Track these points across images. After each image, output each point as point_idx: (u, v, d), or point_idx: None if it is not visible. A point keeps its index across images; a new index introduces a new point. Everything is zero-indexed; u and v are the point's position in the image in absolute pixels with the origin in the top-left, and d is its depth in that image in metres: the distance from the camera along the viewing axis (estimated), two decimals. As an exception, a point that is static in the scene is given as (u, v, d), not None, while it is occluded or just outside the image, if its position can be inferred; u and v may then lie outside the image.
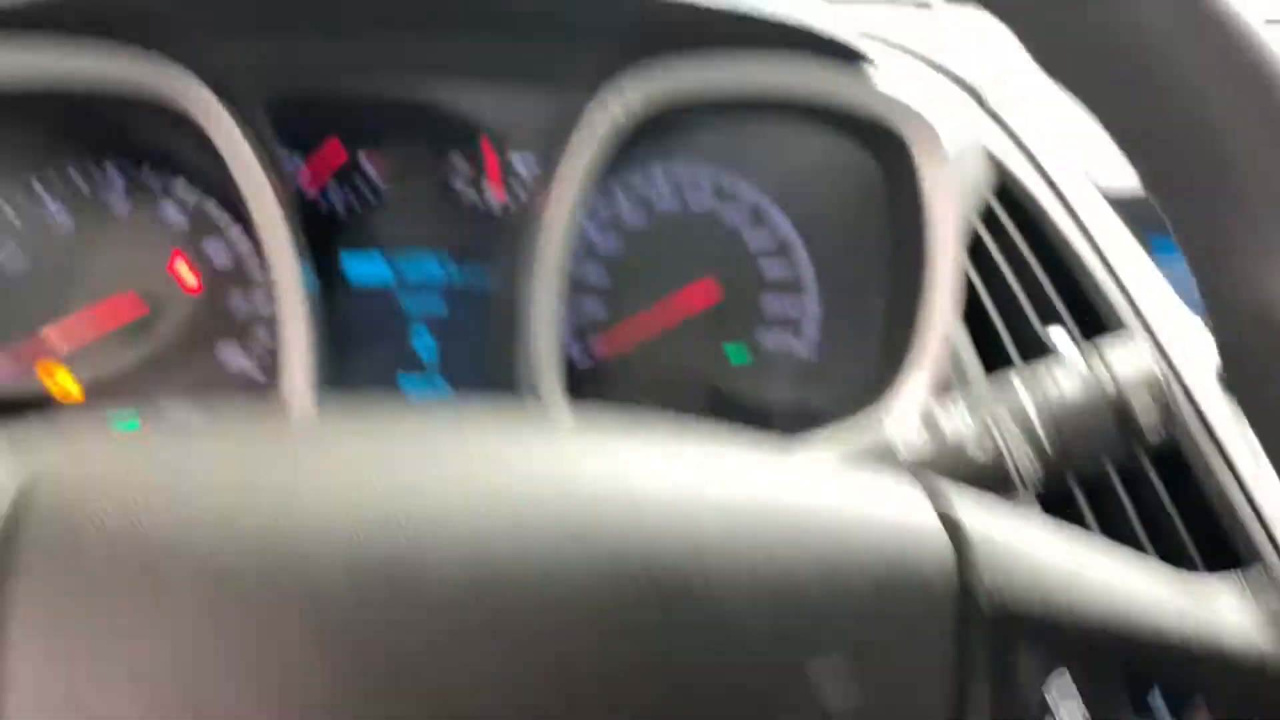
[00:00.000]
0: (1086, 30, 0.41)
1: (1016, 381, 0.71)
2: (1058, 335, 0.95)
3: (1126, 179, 0.45)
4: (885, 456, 0.72)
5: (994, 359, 1.01)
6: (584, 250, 1.06)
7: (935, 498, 0.42)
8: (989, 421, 0.69)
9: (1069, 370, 0.71)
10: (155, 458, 0.38)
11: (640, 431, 0.43)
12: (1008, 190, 1.06)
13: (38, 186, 0.97)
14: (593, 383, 1.08)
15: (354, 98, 1.00)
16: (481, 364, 1.03)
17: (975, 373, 0.99)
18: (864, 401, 1.01)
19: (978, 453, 0.69)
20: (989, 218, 1.04)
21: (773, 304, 1.09)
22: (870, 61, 0.93)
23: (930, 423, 0.71)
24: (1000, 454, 0.68)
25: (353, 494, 0.36)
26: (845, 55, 0.92)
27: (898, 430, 0.72)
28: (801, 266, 1.09)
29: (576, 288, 1.06)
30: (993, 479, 0.68)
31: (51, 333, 0.96)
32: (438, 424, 0.43)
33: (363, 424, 0.42)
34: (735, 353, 1.09)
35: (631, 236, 1.08)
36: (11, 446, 0.37)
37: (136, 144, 0.98)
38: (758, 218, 1.09)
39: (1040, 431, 0.68)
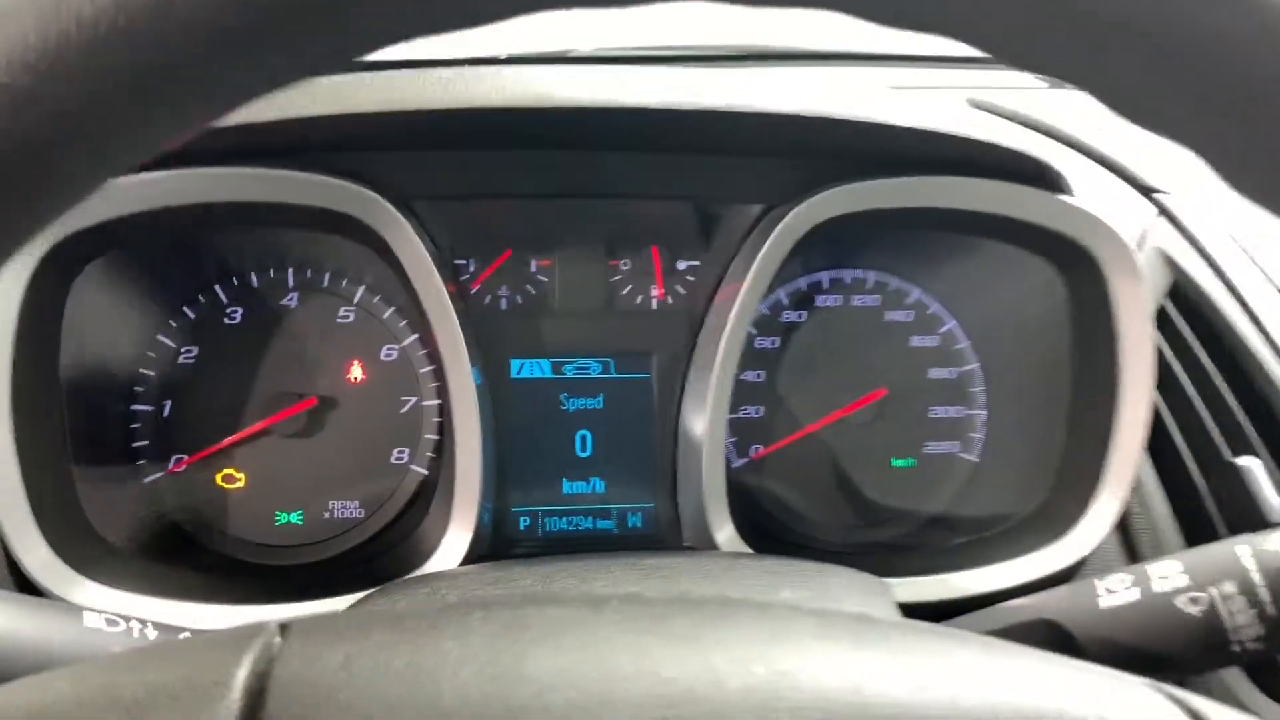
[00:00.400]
0: None
1: (1241, 547, 0.68)
2: (1251, 468, 0.91)
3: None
4: (1084, 600, 0.69)
5: (1172, 469, 0.98)
6: (747, 352, 1.06)
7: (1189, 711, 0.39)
8: (1204, 577, 0.66)
9: None
10: (402, 662, 0.37)
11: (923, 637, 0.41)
12: (1181, 291, 1.03)
13: (219, 292, 0.99)
14: (749, 475, 1.06)
15: (531, 211, 1.01)
16: (639, 462, 1.02)
17: (1154, 494, 0.95)
18: (1030, 512, 0.98)
19: (1189, 607, 0.66)
20: (1162, 321, 1.01)
21: (941, 412, 1.07)
22: (1057, 178, 0.91)
23: (1138, 573, 0.68)
24: (1215, 611, 0.65)
25: None
26: (1036, 174, 0.91)
27: (1101, 581, 0.70)
28: (974, 376, 1.07)
29: (738, 388, 1.05)
30: (1204, 636, 0.65)
31: (230, 441, 0.98)
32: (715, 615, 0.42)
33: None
34: (900, 458, 1.07)
35: (787, 340, 1.07)
36: (247, 642, 0.37)
37: (314, 255, 1.00)
38: (930, 326, 1.08)
39: (1264, 593, 0.64)
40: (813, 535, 1.05)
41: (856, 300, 1.07)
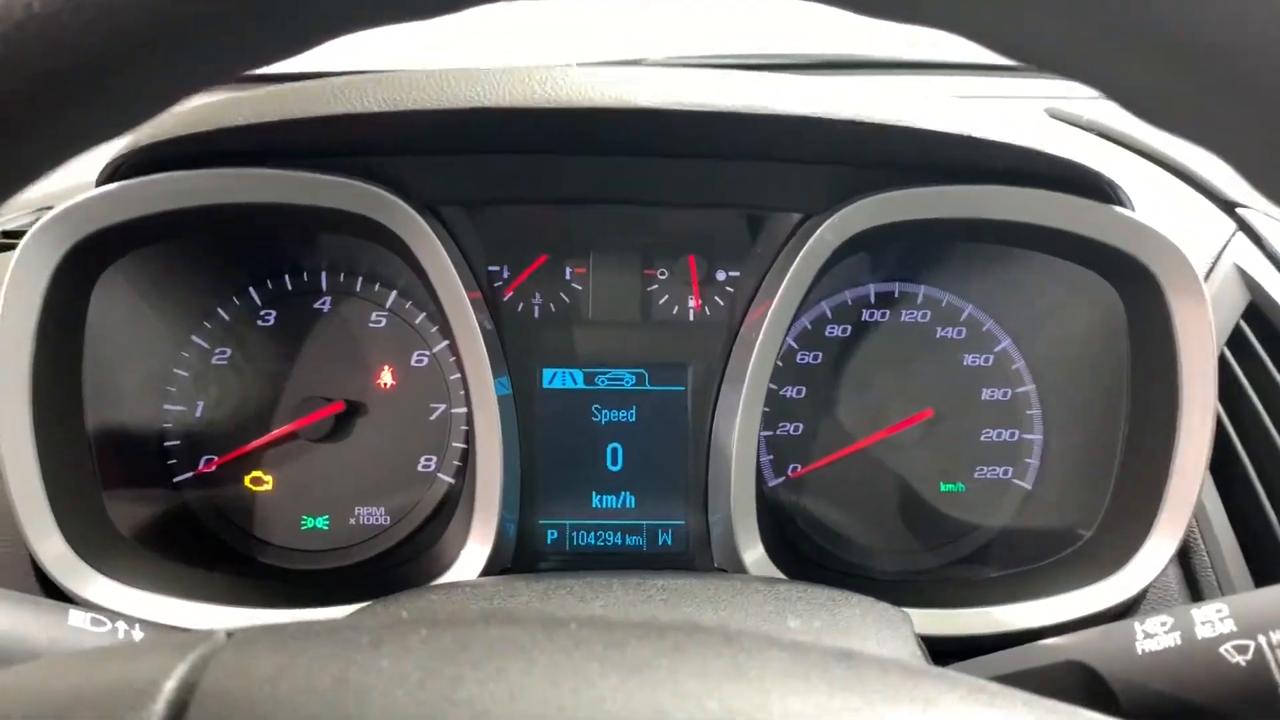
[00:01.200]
0: None
1: None
2: None
3: None
4: (1121, 643, 0.64)
5: (1242, 500, 0.90)
6: (786, 367, 1.02)
7: None
8: (1253, 623, 0.60)
9: None
10: (330, 679, 0.35)
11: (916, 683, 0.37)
12: (1259, 311, 0.96)
13: (253, 294, 1.00)
14: (785, 494, 1.02)
15: (566, 218, 0.99)
16: (671, 478, 0.99)
17: (1222, 528, 0.88)
18: (1082, 545, 0.92)
19: (1234, 656, 0.60)
20: (1237, 342, 0.94)
21: (994, 435, 1.01)
22: (1117, 191, 0.85)
23: (1180, 615, 0.63)
24: (1263, 662, 0.59)
25: None
26: (1089, 186, 0.85)
27: (1139, 623, 0.64)
28: (1029, 398, 1.01)
29: (776, 403, 1.01)
30: (1249, 688, 0.59)
31: (257, 444, 0.98)
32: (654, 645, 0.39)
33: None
34: (947, 482, 1.01)
35: (829, 355, 1.03)
36: (187, 650, 0.35)
37: (347, 259, 1.00)
38: (984, 345, 1.02)
39: None
40: (851, 560, 1.00)
41: (905, 315, 1.02)
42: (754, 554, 0.90)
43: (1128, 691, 0.64)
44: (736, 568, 0.91)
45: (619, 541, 0.99)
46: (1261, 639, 0.61)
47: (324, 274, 1.00)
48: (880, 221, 0.86)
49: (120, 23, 0.31)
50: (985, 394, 1.01)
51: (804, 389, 1.03)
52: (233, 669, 0.35)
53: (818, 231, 0.86)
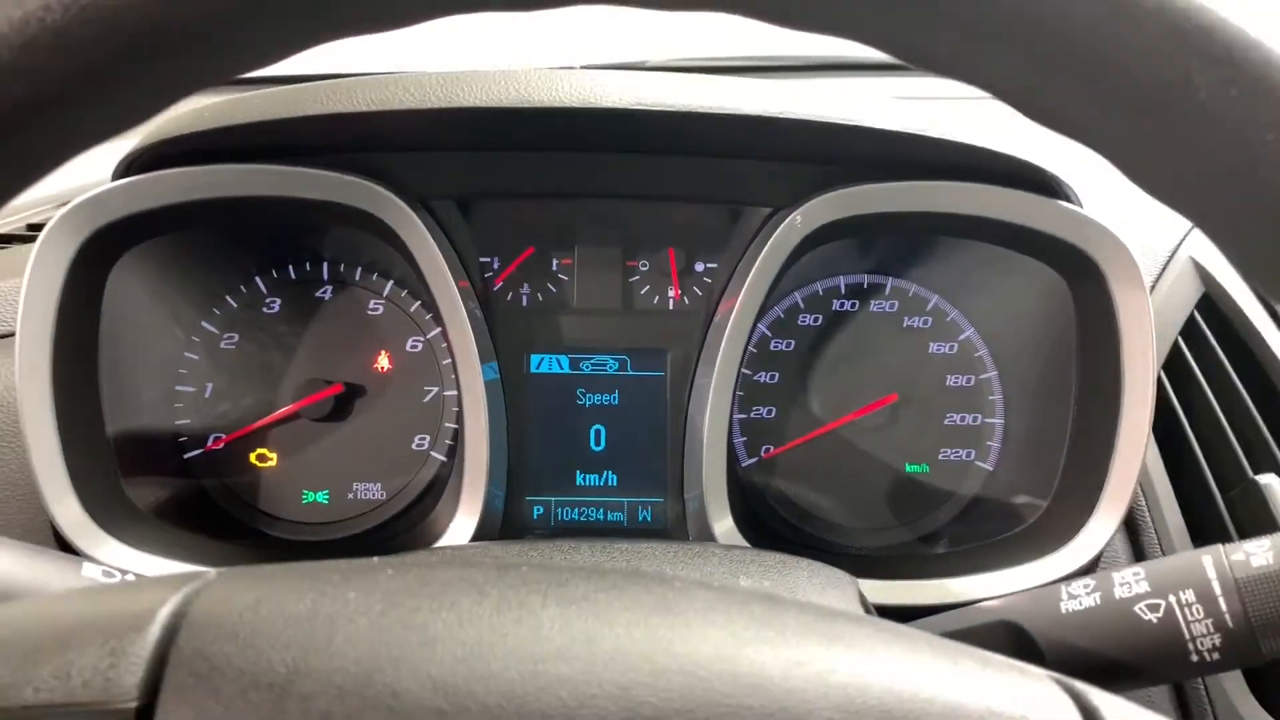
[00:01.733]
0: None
1: (1206, 556, 0.67)
2: (1272, 485, 0.88)
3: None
4: (1047, 604, 0.69)
5: (1189, 480, 0.96)
6: (760, 353, 1.07)
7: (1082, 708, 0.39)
8: (1165, 585, 0.66)
9: (1266, 544, 0.66)
10: (304, 608, 0.39)
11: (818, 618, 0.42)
12: (1212, 303, 1.01)
13: (259, 283, 1.06)
14: (758, 474, 1.07)
15: (553, 211, 1.05)
16: (651, 458, 1.05)
17: (1169, 507, 0.94)
18: (1040, 516, 0.97)
19: (1147, 614, 0.65)
20: (1190, 331, 0.99)
21: (957, 419, 1.06)
22: (1062, 186, 0.90)
23: (1102, 579, 0.68)
24: (1173, 619, 0.64)
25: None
26: (1036, 181, 0.90)
27: (1066, 586, 0.69)
28: (991, 384, 1.07)
29: (750, 388, 1.07)
30: (1161, 644, 0.64)
31: (263, 423, 1.04)
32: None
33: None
34: (911, 464, 1.07)
35: (802, 342, 1.08)
36: (181, 584, 0.40)
37: (348, 250, 1.06)
38: (949, 334, 1.08)
39: (1223, 603, 0.63)
40: (819, 536, 1.05)
41: (874, 305, 1.08)
42: (724, 528, 0.95)
43: (1052, 648, 0.69)
44: (709, 541, 0.96)
45: (601, 517, 1.05)
46: (1171, 598, 0.66)
47: (325, 264, 1.06)
48: (841, 215, 0.92)
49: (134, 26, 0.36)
50: (950, 380, 1.07)
51: (777, 374, 1.08)
52: (218, 599, 0.41)
53: (783, 225, 0.92)
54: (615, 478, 1.06)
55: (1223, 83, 0.36)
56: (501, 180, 1.00)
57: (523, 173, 1.00)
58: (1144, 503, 0.94)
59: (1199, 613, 0.65)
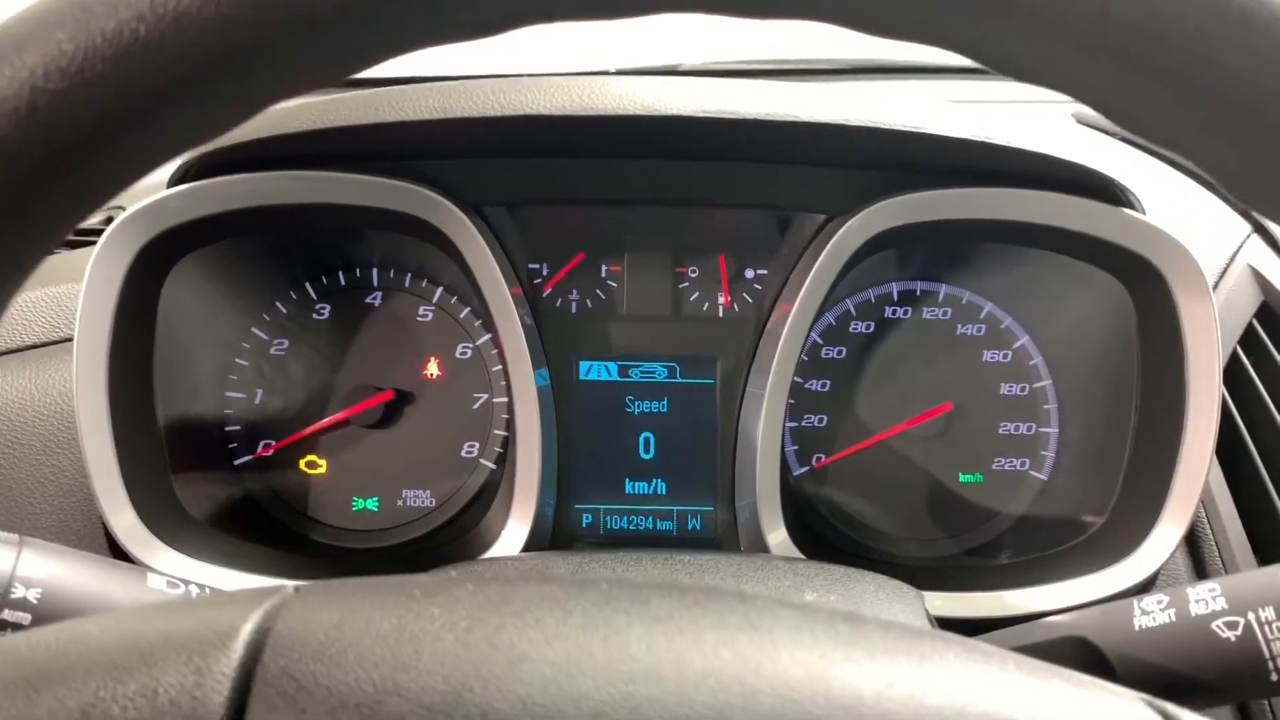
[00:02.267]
0: None
1: None
2: None
3: None
4: (1119, 620, 0.68)
5: (1250, 491, 0.94)
6: (812, 361, 1.06)
7: None
8: (1243, 601, 0.64)
9: None
10: (389, 625, 0.39)
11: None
12: (1271, 311, 0.99)
13: (309, 289, 1.06)
14: (810, 483, 1.06)
15: (602, 217, 1.05)
16: (701, 466, 1.04)
17: (1230, 518, 0.92)
18: (1093, 533, 0.96)
19: (1225, 631, 0.64)
20: (1249, 340, 0.97)
21: (1011, 428, 1.05)
22: (1126, 194, 0.89)
23: (1176, 594, 0.66)
24: (1252, 637, 0.63)
25: None
26: (1099, 188, 0.89)
27: (1138, 601, 0.68)
28: (1046, 393, 1.05)
29: (801, 396, 1.06)
30: (1240, 662, 0.63)
31: (313, 429, 1.04)
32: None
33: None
34: (965, 473, 1.05)
35: (854, 350, 1.07)
36: (261, 600, 0.39)
37: (397, 256, 1.06)
38: (1003, 341, 1.06)
39: None
40: (874, 547, 1.04)
41: (927, 313, 1.07)
42: (777, 537, 0.95)
43: (1125, 665, 0.68)
44: (761, 551, 0.95)
45: (650, 526, 1.04)
46: (1251, 615, 0.64)
47: (375, 270, 1.06)
48: (899, 223, 0.90)
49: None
50: (1004, 389, 1.05)
51: (828, 382, 1.07)
52: (301, 616, 0.40)
53: (840, 232, 0.91)
54: (664, 486, 1.05)
55: None
56: (553, 186, 0.99)
57: (574, 179, 0.99)
58: (1204, 514, 0.93)
59: (1274, 631, 0.63)
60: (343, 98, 0.90)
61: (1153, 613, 0.68)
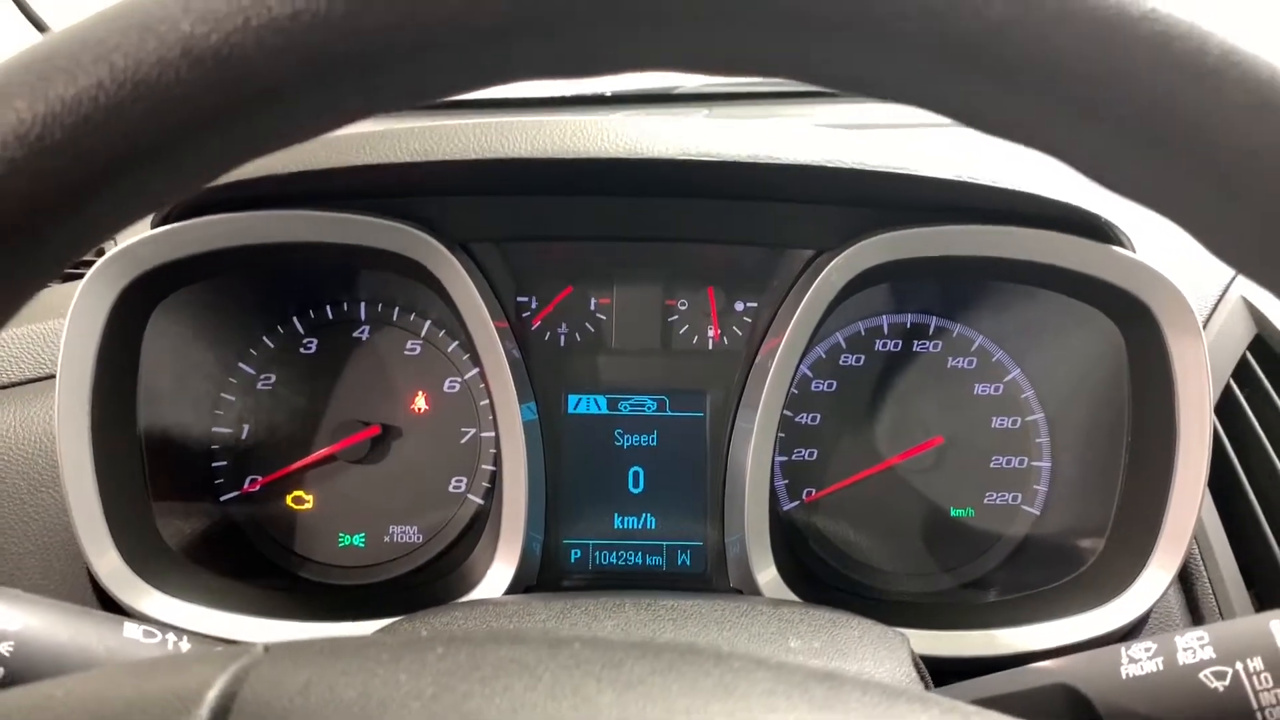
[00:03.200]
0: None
1: (1275, 622, 0.64)
2: None
3: None
4: (1106, 667, 0.67)
5: (1244, 527, 0.93)
6: (802, 394, 1.06)
7: None
8: (1231, 651, 0.63)
9: None
10: (354, 692, 0.38)
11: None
12: (1265, 344, 0.98)
13: (296, 324, 1.06)
14: (800, 517, 1.06)
15: (591, 251, 1.04)
16: (690, 501, 1.03)
17: (1224, 556, 0.91)
18: (1084, 571, 0.95)
19: (1212, 681, 0.63)
20: (1243, 373, 0.97)
21: (1003, 462, 1.04)
22: (1114, 231, 0.88)
23: (1164, 642, 0.66)
24: (1240, 687, 0.62)
25: None
26: (1088, 226, 0.88)
27: (1125, 648, 0.67)
28: (1038, 426, 1.05)
29: (791, 429, 1.05)
30: (1228, 713, 0.62)
31: (299, 465, 1.04)
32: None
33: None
34: (957, 507, 1.05)
35: (844, 383, 1.06)
36: (229, 661, 0.39)
37: (385, 290, 1.05)
38: (994, 375, 1.05)
39: None
40: (863, 582, 1.03)
41: (918, 346, 1.06)
42: (767, 575, 0.94)
43: (1112, 714, 0.67)
44: (751, 588, 0.95)
45: (639, 561, 1.03)
46: (1239, 665, 0.63)
47: (363, 304, 1.06)
48: (886, 259, 0.90)
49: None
50: (995, 422, 1.05)
51: (819, 416, 1.06)
52: (268, 680, 0.40)
53: (828, 267, 0.90)
54: (654, 520, 1.04)
55: None
56: (540, 224, 0.99)
57: (562, 216, 0.99)
58: (1197, 551, 0.92)
59: (1268, 681, 0.62)
60: (328, 137, 0.89)
61: (1140, 661, 0.67)
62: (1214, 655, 0.64)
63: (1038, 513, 1.04)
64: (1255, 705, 0.62)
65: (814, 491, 1.05)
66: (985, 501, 1.04)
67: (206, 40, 0.35)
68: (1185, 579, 0.92)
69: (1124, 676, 0.67)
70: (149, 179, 0.38)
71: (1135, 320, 0.89)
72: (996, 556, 1.04)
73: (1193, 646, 0.66)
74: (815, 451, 1.06)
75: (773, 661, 0.43)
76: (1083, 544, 0.97)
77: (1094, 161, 0.40)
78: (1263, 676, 0.62)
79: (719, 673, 0.42)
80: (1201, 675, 0.64)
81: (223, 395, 1.04)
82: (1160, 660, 0.66)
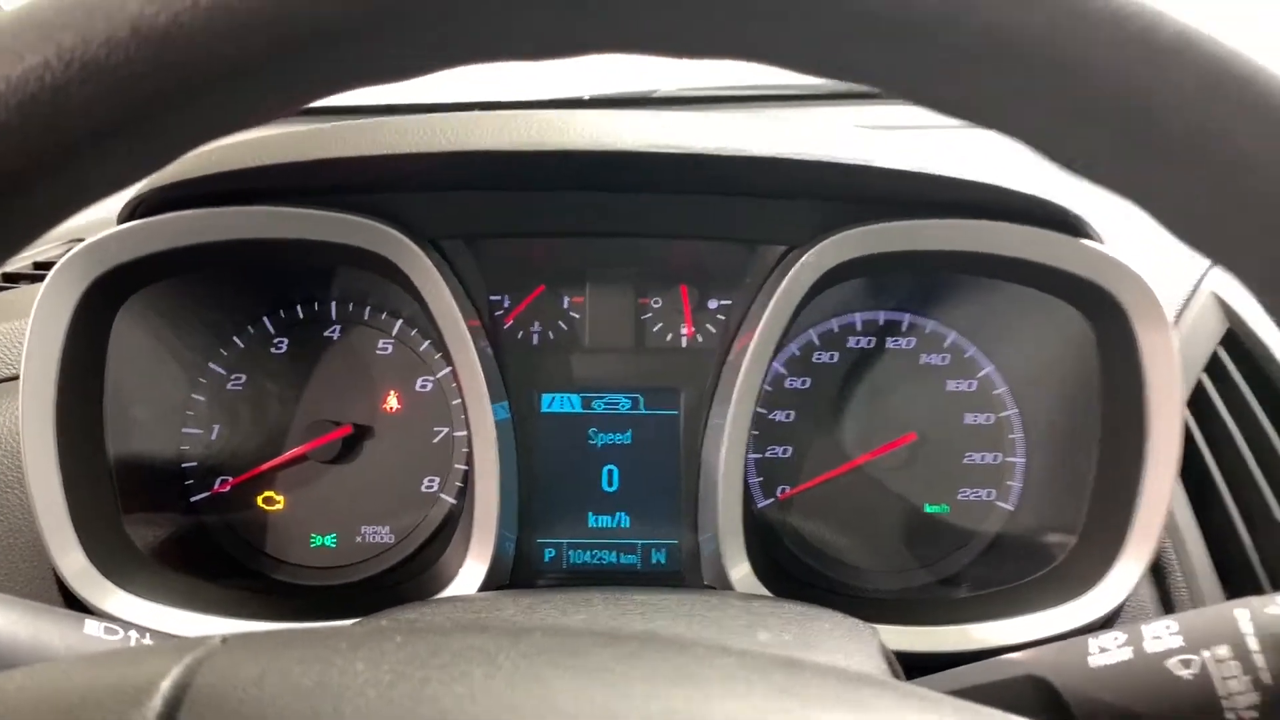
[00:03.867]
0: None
1: (1240, 610, 0.64)
2: None
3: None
4: (1075, 658, 0.67)
5: (1217, 520, 0.93)
6: (776, 392, 1.06)
7: None
8: (1199, 639, 0.63)
9: None
10: (310, 681, 0.38)
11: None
12: (1236, 339, 0.99)
13: (267, 323, 1.05)
14: (774, 514, 1.06)
15: (564, 249, 1.04)
16: (665, 499, 1.03)
17: (1196, 549, 0.91)
18: (1056, 565, 0.95)
19: (1180, 670, 0.63)
20: (1215, 368, 0.97)
21: (977, 458, 1.04)
22: (1083, 224, 0.88)
23: (1132, 631, 0.66)
24: (1206, 675, 0.62)
25: None
26: (1057, 219, 0.88)
27: (1094, 638, 0.67)
28: (1011, 422, 1.05)
29: (766, 427, 1.05)
30: (1195, 701, 0.62)
31: (270, 465, 1.03)
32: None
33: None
34: (931, 504, 1.05)
35: (818, 381, 1.06)
36: (185, 652, 0.39)
37: (356, 289, 1.05)
38: (967, 371, 1.06)
39: (1259, 659, 0.61)
40: (837, 579, 1.03)
41: (891, 343, 1.06)
42: (740, 571, 0.94)
43: (1080, 703, 0.67)
44: (725, 585, 0.94)
45: (614, 560, 1.03)
46: (1205, 654, 0.63)
47: (334, 303, 1.05)
48: (856, 254, 0.90)
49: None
50: (968, 419, 1.05)
51: (793, 413, 1.06)
52: (223, 670, 0.39)
53: (798, 264, 0.90)
54: (628, 519, 1.04)
55: (1265, 131, 0.34)
56: (512, 220, 0.99)
57: (534, 212, 0.99)
58: (1170, 545, 0.92)
59: (1234, 669, 0.62)
60: (294, 133, 0.89)
61: (1109, 650, 0.67)
62: (1182, 643, 0.64)
63: (1012, 508, 1.04)
64: (1222, 693, 0.62)
65: (787, 489, 1.05)
66: (959, 498, 1.04)
67: (155, 20, 0.35)
68: (1158, 573, 0.92)
69: (1092, 665, 0.67)
70: (100, 162, 0.37)
71: (1105, 314, 0.90)
72: (971, 552, 1.04)
73: (1160, 635, 0.65)
74: (790, 449, 1.06)
75: (735, 649, 0.43)
76: (1056, 539, 0.97)
77: (1046, 140, 0.40)
78: (1229, 664, 0.62)
79: (680, 659, 0.42)
80: (1168, 663, 0.64)
81: (193, 396, 1.03)
82: (1129, 649, 0.66)
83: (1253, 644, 0.62)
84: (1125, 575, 0.87)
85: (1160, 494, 0.86)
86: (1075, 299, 0.93)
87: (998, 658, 0.73)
